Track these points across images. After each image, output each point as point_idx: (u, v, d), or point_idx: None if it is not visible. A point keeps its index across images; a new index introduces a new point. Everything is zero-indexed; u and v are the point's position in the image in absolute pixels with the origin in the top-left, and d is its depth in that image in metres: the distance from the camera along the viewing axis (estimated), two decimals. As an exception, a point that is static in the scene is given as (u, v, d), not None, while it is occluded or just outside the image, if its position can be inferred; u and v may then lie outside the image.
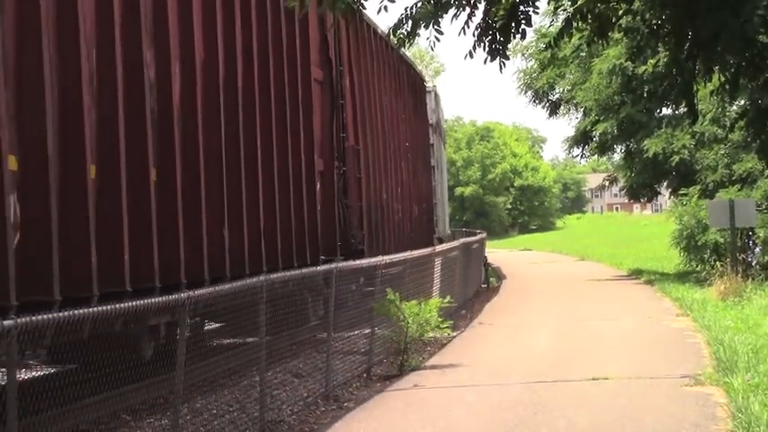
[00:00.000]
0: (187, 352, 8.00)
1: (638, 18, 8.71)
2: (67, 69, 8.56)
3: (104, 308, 7.09)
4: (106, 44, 9.04)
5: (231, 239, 11.77)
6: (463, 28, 7.70)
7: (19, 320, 6.25)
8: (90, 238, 8.80)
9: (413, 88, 26.23)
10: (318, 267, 12.26)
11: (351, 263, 13.44)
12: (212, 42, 11.55)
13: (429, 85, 30.16)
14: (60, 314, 6.65)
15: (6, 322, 6.17)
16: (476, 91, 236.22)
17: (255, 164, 12.80)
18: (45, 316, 6.51)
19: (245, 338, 11.07)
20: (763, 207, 24.28)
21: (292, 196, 14.10)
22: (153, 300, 7.90)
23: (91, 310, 7.02)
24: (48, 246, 8.27)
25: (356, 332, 13.08)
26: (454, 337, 16.02)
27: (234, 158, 12.09)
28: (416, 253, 16.17)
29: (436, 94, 30.46)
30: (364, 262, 13.86)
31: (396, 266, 14.41)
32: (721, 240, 24.39)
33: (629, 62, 25.02)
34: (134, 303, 7.55)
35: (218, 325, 13.05)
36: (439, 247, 20.00)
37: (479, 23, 7.75)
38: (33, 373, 10.75)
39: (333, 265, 12.08)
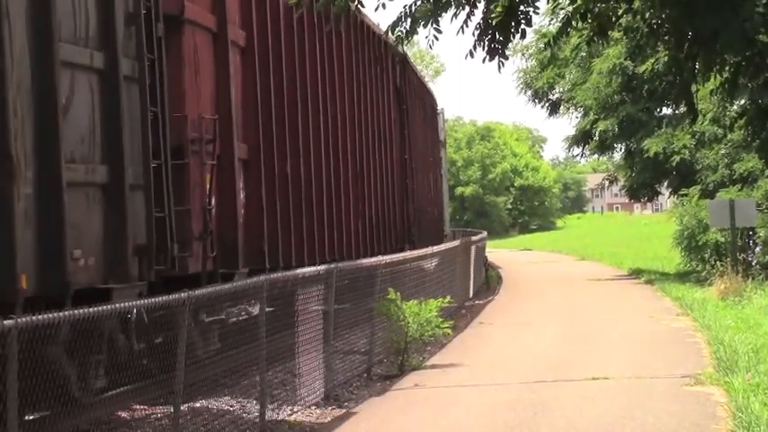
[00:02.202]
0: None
1: (638, 17, 8.70)
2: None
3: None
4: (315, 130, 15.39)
5: (362, 230, 17.83)
6: (462, 27, 7.70)
7: (19, 320, 6.26)
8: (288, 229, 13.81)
9: (431, 111, 32.13)
10: (318, 267, 12.45)
11: (351, 263, 13.78)
12: (351, 122, 17.85)
13: (439, 107, 34.78)
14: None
15: (7, 322, 6.17)
16: (476, 91, 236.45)
17: (369, 179, 18.89)
18: (46, 315, 6.55)
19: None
20: (764, 207, 24.26)
21: (386, 201, 20.42)
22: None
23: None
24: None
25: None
26: (454, 336, 16.02)
27: (360, 176, 18.18)
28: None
29: (443, 115, 36.22)
30: (365, 261, 14.08)
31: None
32: (722, 240, 24.38)
33: (629, 61, 25.01)
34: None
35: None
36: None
37: (479, 23, 7.75)
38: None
39: (333, 266, 12.20)
